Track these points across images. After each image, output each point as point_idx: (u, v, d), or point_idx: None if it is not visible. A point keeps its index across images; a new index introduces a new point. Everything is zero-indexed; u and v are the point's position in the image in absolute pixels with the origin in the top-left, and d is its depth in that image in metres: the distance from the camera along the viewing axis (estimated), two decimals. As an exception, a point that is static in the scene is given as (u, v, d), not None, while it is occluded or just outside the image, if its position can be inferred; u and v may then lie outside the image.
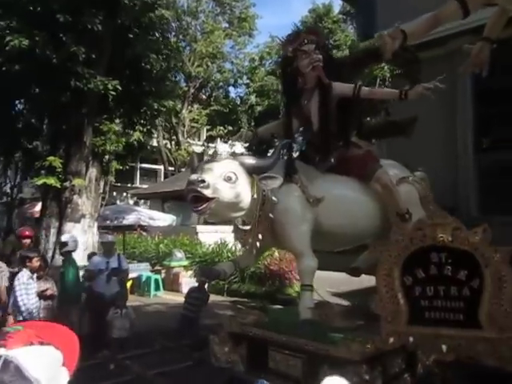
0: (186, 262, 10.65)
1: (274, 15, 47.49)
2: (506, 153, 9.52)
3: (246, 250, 3.61)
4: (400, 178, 3.75)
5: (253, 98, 21.91)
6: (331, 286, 9.29)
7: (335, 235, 3.56)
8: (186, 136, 24.67)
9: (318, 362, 3.24)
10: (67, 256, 5.63)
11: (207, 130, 26.71)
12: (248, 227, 3.35)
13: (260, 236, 3.34)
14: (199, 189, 2.86)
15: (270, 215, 3.29)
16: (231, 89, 26.63)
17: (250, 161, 3.20)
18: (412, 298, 2.88)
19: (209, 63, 23.59)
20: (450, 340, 2.78)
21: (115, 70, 6.97)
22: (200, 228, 13.90)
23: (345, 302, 5.29)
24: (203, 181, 2.87)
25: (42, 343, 0.77)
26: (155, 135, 22.05)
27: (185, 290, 10.01)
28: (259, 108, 21.36)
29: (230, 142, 3.62)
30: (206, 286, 5.67)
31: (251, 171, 3.17)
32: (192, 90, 24.21)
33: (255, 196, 3.15)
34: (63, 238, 5.95)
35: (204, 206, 2.89)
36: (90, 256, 6.55)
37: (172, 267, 10.47)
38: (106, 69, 6.92)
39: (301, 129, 3.85)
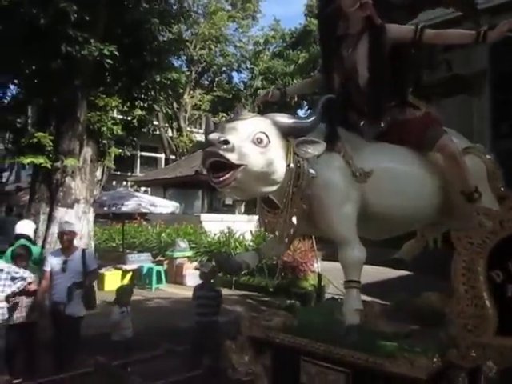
0: (190, 253, 10.03)
1: (277, 3, 46.42)
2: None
3: (273, 237, 2.90)
4: (464, 148, 3.04)
5: (258, 82, 21.23)
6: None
7: (385, 219, 2.87)
8: (187, 123, 23.93)
9: (368, 379, 2.57)
10: (17, 243, 4.54)
11: (209, 118, 26.00)
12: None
13: (294, 219, 2.64)
14: (221, 152, 2.16)
15: (308, 192, 2.58)
16: (234, 74, 26.01)
17: (285, 120, 2.51)
18: (503, 299, 2.20)
19: (211, 46, 22.80)
20: (558, 356, 2.08)
21: (112, 38, 6.22)
22: (204, 216, 13.28)
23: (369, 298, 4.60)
24: (227, 141, 2.17)
25: None
26: (156, 122, 21.46)
27: (189, 282, 9.47)
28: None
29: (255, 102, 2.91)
30: (212, 280, 4.82)
31: (287, 133, 2.48)
32: (194, 75, 23.43)
33: (291, 165, 2.45)
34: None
35: (228, 175, 2.20)
36: None
37: (175, 258, 9.84)
38: (102, 35, 6.16)
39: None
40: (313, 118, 2.53)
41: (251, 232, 10.79)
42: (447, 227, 3.44)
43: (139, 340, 4.89)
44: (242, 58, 24.88)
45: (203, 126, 27.87)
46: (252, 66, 23.64)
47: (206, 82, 25.89)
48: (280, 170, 2.43)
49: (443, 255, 3.98)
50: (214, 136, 2.19)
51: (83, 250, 4.48)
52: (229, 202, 16.34)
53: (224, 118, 22.77)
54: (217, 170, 2.23)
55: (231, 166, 2.21)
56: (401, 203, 2.82)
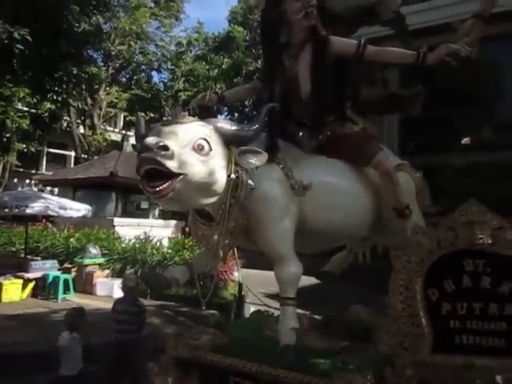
0: (101, 260, 9.45)
1: (201, 6, 46.19)
2: (431, 157, 9.79)
3: (205, 250, 2.74)
4: (396, 166, 3.11)
5: (179, 84, 20.80)
6: (262, 286, 8.70)
7: (320, 234, 2.84)
8: (101, 120, 22.76)
9: (302, 400, 2.49)
10: None
11: (125, 117, 25.09)
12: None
13: (230, 232, 2.51)
14: (160, 158, 1.97)
15: (245, 204, 2.47)
16: (154, 74, 25.32)
17: (228, 126, 2.38)
18: (438, 317, 2.23)
19: (131, 43, 21.95)
20: (488, 373, 2.15)
21: (23, 22, 5.58)
22: (118, 220, 12.60)
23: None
24: (166, 147, 1.98)
25: None
26: (67, 117, 20.14)
27: (100, 292, 8.90)
28: (185, 96, 20.24)
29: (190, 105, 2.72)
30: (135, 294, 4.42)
31: (229, 141, 2.35)
32: (111, 71, 22.34)
33: (232, 176, 2.31)
34: None
35: (166, 185, 2.01)
36: None
37: (85, 265, 9.20)
38: (12, 18, 5.52)
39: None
40: (256, 126, 2.43)
41: (169, 238, 10.45)
42: (375, 241, 3.52)
43: (42, 358, 4.39)
44: (163, 58, 24.24)
45: (118, 125, 26.96)
46: (173, 67, 23.14)
47: (124, 80, 24.83)
48: (221, 180, 2.30)
49: (372, 269, 4.09)
50: (151, 140, 1.98)
51: None
52: (144, 205, 15.72)
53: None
54: (153, 179, 2.03)
55: (169, 175, 2.03)
56: (337, 218, 2.81)
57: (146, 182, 2.06)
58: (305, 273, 2.68)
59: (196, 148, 2.16)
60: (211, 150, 2.22)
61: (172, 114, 2.35)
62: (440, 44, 2.66)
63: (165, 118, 2.57)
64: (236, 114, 21.82)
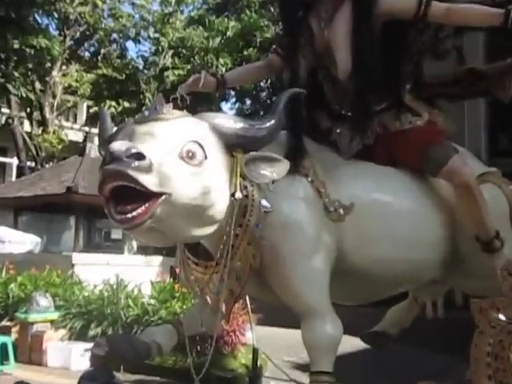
0: (54, 315, 9.52)
1: None
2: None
3: (201, 301, 2.81)
4: (479, 176, 3.13)
5: (167, 59, 21.23)
6: (288, 351, 8.70)
7: (370, 276, 2.88)
8: (55, 113, 23.22)
9: None
10: None
11: (89, 107, 25.62)
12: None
13: (235, 277, 2.57)
14: (132, 172, 2.02)
15: (257, 235, 2.53)
16: (130, 45, 25.79)
17: (231, 123, 2.43)
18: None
19: (97, 2, 22.47)
20: None
21: None
22: (79, 257, 12.78)
23: None
24: (141, 156, 2.03)
25: None
26: (6, 109, 20.61)
27: (52, 361, 8.95)
28: (174, 76, 20.63)
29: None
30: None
31: (232, 144, 2.40)
32: (69, 42, 22.87)
33: (238, 194, 2.36)
34: None
35: (141, 209, 2.06)
36: None
37: (31, 323, 9.28)
38: None
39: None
40: (272, 122, 2.47)
41: (152, 283, 10.53)
42: (450, 286, 3.52)
43: None
44: (143, 23, 24.81)
45: (80, 119, 27.47)
46: (157, 36, 23.64)
47: (87, 55, 25.49)
48: (221, 201, 2.35)
49: (446, 326, 4.07)
50: (120, 146, 2.04)
51: None
52: (116, 235, 15.93)
53: (113, 109, 22.41)
54: (123, 201, 2.08)
55: (146, 195, 2.08)
56: (392, 253, 2.85)
57: (113, 206, 2.10)
58: (346, 333, 2.70)
59: (184, 156, 2.20)
60: (206, 157, 2.27)
61: (151, 105, 2.41)
62: None
63: (144, 110, 2.68)
64: (248, 102, 22.10)
